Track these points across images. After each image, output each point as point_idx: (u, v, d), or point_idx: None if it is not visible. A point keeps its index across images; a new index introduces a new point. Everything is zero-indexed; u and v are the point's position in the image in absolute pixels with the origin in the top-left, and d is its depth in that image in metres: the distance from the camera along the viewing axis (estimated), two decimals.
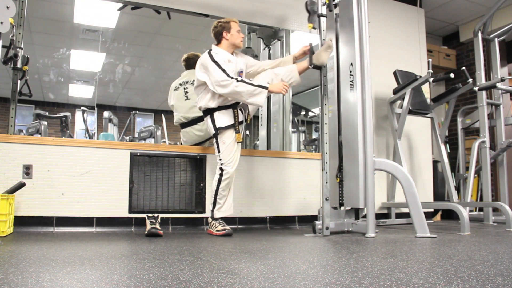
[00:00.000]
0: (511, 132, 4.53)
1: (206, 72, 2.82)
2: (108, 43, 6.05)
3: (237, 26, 2.96)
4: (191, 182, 3.27)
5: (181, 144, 3.47)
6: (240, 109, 2.93)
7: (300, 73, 3.01)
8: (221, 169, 2.83)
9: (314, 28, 2.97)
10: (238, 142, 2.88)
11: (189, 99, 3.34)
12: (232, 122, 2.86)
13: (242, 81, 2.73)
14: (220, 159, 2.85)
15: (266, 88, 2.76)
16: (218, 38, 2.95)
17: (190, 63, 3.47)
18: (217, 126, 2.86)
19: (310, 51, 2.95)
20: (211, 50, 2.89)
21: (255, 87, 2.73)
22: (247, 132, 3.42)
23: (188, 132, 3.34)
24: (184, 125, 3.36)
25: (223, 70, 2.74)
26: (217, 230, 2.82)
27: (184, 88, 3.39)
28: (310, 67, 2.94)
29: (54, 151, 2.89)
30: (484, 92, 4.05)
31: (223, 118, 2.87)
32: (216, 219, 2.88)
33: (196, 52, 3.51)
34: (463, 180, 4.44)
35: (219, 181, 2.84)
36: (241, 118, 2.92)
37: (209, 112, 2.90)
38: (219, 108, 2.88)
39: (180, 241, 2.39)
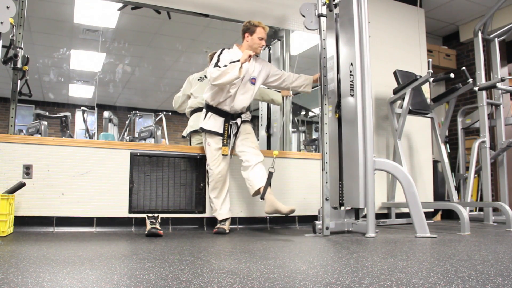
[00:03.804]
0: (511, 132, 4.53)
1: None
2: (108, 43, 6.04)
3: (262, 33, 2.95)
4: (191, 182, 3.27)
5: (183, 136, 3.53)
6: (231, 125, 2.93)
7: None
8: (206, 171, 2.96)
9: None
10: (223, 154, 2.91)
11: None
12: (220, 131, 2.91)
13: (217, 67, 2.76)
14: (207, 159, 2.98)
15: (237, 61, 2.74)
16: (242, 37, 3.01)
17: None
18: (202, 126, 2.95)
19: (266, 183, 2.69)
20: (227, 48, 2.95)
21: (228, 66, 2.73)
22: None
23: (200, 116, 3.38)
24: (199, 110, 3.40)
25: (216, 65, 2.78)
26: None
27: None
28: (261, 199, 2.71)
29: (54, 151, 2.89)
30: (484, 92, 4.05)
31: (213, 123, 2.92)
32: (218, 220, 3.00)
33: None
34: (463, 180, 4.44)
35: (208, 183, 2.97)
36: (232, 132, 2.94)
37: (206, 108, 2.98)
38: (214, 110, 2.92)
39: (180, 241, 2.39)
